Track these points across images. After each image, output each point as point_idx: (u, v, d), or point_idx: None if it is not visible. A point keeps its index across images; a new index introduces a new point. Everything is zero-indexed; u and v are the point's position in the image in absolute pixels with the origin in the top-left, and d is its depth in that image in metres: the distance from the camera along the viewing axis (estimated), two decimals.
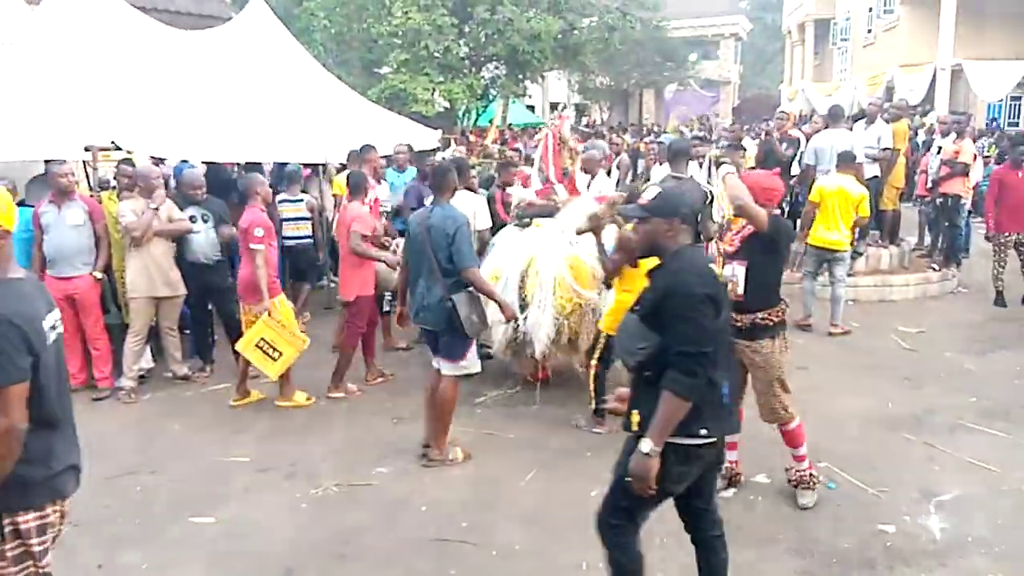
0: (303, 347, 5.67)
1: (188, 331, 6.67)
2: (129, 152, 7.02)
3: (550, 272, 5.49)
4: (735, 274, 4.04)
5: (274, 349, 5.51)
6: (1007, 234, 8.27)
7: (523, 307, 5.45)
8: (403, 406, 5.73)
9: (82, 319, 6.02)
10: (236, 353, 5.83)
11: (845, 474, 4.54)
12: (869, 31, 27.56)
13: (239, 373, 5.90)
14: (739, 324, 4.02)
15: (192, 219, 6.31)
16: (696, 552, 3.09)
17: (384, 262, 5.96)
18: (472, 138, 14.73)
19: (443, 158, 9.18)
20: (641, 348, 2.75)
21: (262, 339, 5.51)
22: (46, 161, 6.53)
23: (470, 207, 6.03)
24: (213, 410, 5.76)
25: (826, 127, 8.91)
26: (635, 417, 2.77)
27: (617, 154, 13.48)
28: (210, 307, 6.57)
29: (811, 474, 4.27)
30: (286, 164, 10.59)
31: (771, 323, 4.07)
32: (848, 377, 6.28)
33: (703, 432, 2.74)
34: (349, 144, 8.50)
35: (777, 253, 4.13)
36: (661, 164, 8.31)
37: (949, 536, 3.89)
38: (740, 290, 4.02)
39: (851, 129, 9.14)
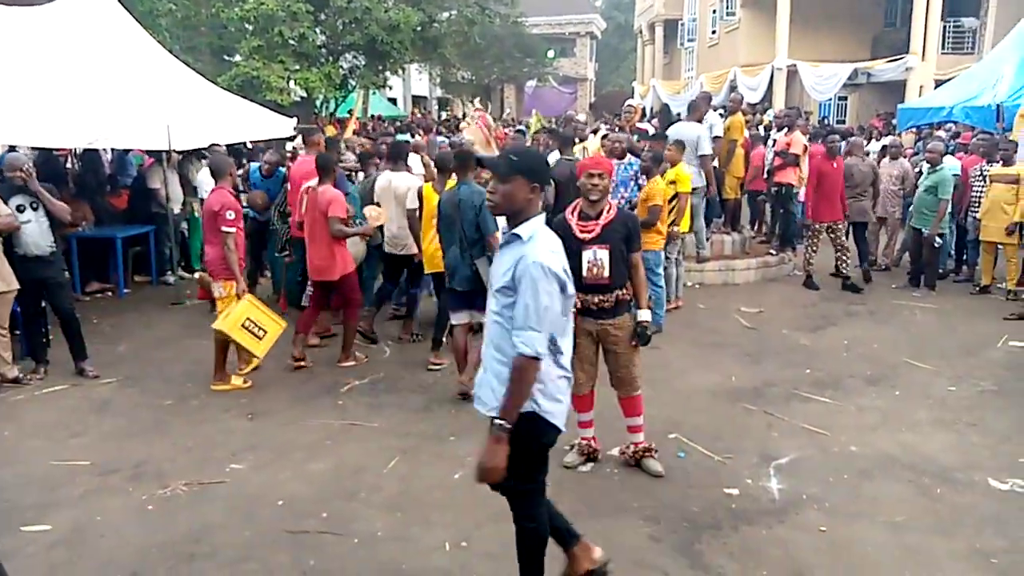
0: (283, 327, 5.88)
1: (18, 331, 6.14)
2: None
3: None
4: (599, 258, 4.17)
5: (260, 328, 5.65)
6: (823, 222, 8.91)
7: None
8: (259, 402, 5.54)
9: None
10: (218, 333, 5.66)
11: (693, 443, 4.81)
12: (713, 32, 29.20)
13: (216, 360, 5.78)
14: (604, 303, 4.18)
15: (20, 208, 5.81)
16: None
17: (364, 235, 6.52)
18: (332, 128, 14.38)
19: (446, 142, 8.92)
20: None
21: (248, 319, 5.63)
22: None
23: (406, 183, 6.64)
24: (48, 413, 5.33)
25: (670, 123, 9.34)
26: None
27: None
28: (44, 303, 6.07)
29: (647, 447, 4.49)
30: (128, 151, 10.02)
31: (628, 298, 4.28)
32: (695, 354, 6.65)
33: None
34: (197, 131, 8.11)
35: (632, 237, 4.32)
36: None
37: (786, 495, 4.20)
38: (606, 272, 4.16)
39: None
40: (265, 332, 5.72)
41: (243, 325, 5.61)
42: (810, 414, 5.33)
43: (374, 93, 20.44)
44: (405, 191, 6.53)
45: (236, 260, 5.66)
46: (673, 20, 34.09)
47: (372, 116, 20.74)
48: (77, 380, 5.92)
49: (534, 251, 2.71)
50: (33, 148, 8.22)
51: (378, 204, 6.75)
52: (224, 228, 5.58)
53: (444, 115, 28.28)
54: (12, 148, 8.04)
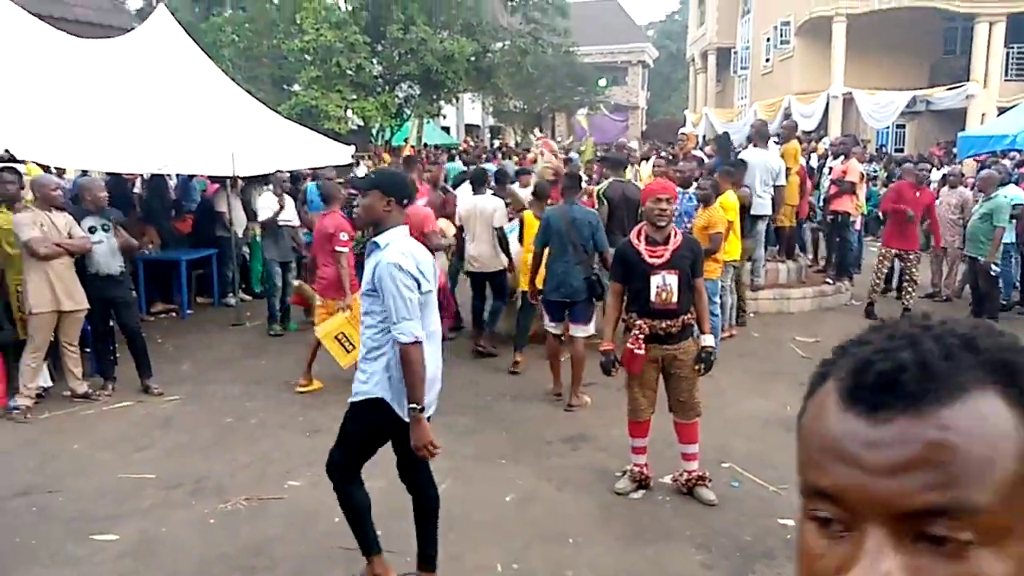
0: None
1: (88, 349, 6.41)
2: (23, 162, 6.74)
3: None
4: (668, 283, 4.17)
5: (351, 343, 6.01)
6: (891, 249, 8.78)
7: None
8: (316, 420, 5.67)
9: None
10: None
11: (747, 473, 4.76)
12: (767, 60, 29.02)
13: (307, 360, 6.23)
14: (672, 328, 4.19)
15: (92, 230, 6.09)
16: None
17: (448, 247, 7.18)
18: (386, 156, 14.70)
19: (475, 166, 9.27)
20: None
21: (342, 332, 6.02)
22: None
23: (491, 205, 7.17)
24: (116, 428, 5.55)
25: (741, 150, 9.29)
26: None
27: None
28: (112, 323, 6.33)
29: (700, 475, 4.46)
30: (192, 177, 10.41)
31: (692, 323, 4.29)
32: (749, 382, 6.58)
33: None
34: (259, 158, 8.40)
35: (697, 263, 4.35)
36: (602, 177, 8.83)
37: None
38: (675, 298, 4.17)
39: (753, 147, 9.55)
40: (354, 347, 6.00)
41: (336, 337, 6.03)
42: None
43: (428, 122, 20.85)
44: (492, 212, 7.02)
45: (349, 277, 6.10)
46: (726, 48, 34.02)
47: (426, 144, 21.11)
48: (142, 397, 6.14)
49: (387, 255, 3.13)
50: (104, 173, 8.60)
51: (461, 226, 7.17)
52: (338, 248, 6.09)
53: (498, 143, 28.61)
54: (84, 173, 8.42)
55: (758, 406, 5.96)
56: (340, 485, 3.45)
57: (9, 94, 6.91)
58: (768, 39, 28.70)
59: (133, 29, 10.57)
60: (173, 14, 10.21)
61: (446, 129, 28.80)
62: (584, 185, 8.13)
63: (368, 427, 3.34)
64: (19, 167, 6.72)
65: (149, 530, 4.08)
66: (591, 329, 5.99)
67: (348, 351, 6.07)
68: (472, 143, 24.84)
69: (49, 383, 6.11)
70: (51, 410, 5.84)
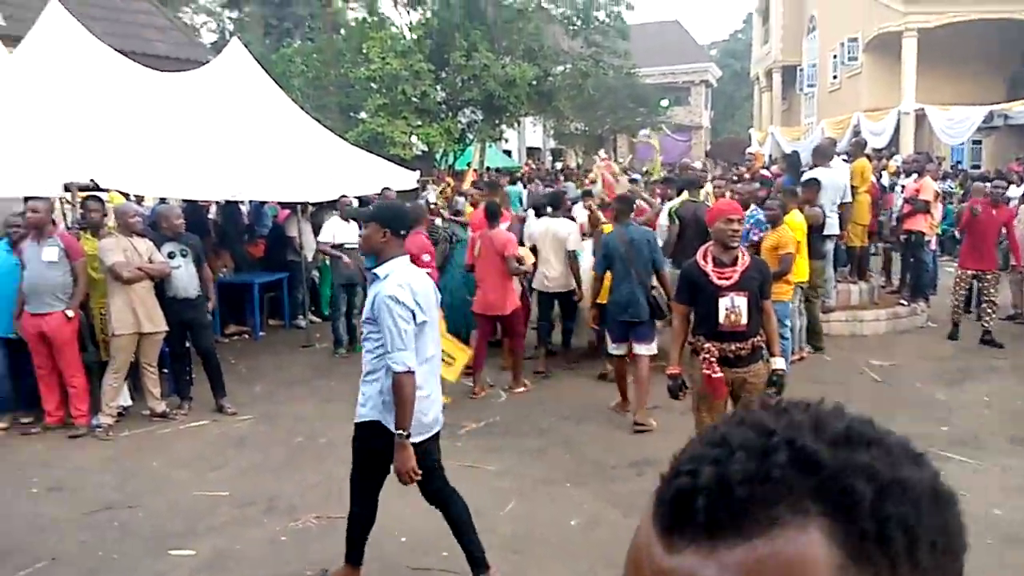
0: (469, 354, 6.33)
1: (166, 369, 6.65)
2: (107, 190, 7.07)
3: None
4: (737, 305, 4.08)
5: (449, 356, 6.09)
6: (967, 270, 8.45)
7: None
8: None
9: (56, 357, 5.96)
10: None
11: None
12: (834, 77, 28.44)
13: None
14: (741, 351, 4.11)
15: (171, 255, 6.34)
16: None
17: (526, 273, 7.20)
18: (450, 180, 14.92)
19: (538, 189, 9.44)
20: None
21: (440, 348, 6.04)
22: (25, 199, 6.53)
23: (566, 229, 7.25)
24: (192, 446, 5.73)
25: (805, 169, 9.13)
26: None
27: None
28: (188, 344, 6.56)
29: None
30: (264, 203, 10.74)
31: (762, 346, 4.21)
32: None
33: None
34: (329, 184, 8.63)
35: (765, 284, 4.29)
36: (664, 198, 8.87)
37: None
38: (744, 320, 4.09)
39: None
40: (454, 359, 6.17)
41: None
42: (947, 473, 4.93)
43: (490, 146, 21.10)
44: (566, 235, 7.11)
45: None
46: (791, 66, 33.48)
47: (488, 168, 21.36)
48: (217, 416, 6.33)
49: (385, 287, 3.28)
50: (181, 200, 8.96)
51: (533, 247, 7.26)
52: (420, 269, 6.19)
53: (559, 165, 28.73)
54: (163, 200, 8.78)
55: None
56: (351, 501, 3.67)
57: (95, 126, 7.30)
58: (835, 56, 28.14)
59: (208, 62, 11.05)
60: (246, 46, 10.62)
61: (508, 152, 29.07)
62: (644, 205, 8.12)
63: (368, 447, 3.51)
64: (102, 195, 7.06)
65: (223, 546, 4.19)
66: (655, 348, 6.07)
67: (449, 364, 6.22)
68: (533, 166, 25.00)
69: (129, 402, 6.36)
70: (131, 428, 6.08)
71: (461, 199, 9.94)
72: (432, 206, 9.69)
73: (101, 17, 12.10)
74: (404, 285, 3.31)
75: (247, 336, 9.18)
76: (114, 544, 4.23)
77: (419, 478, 3.38)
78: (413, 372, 3.25)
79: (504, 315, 6.79)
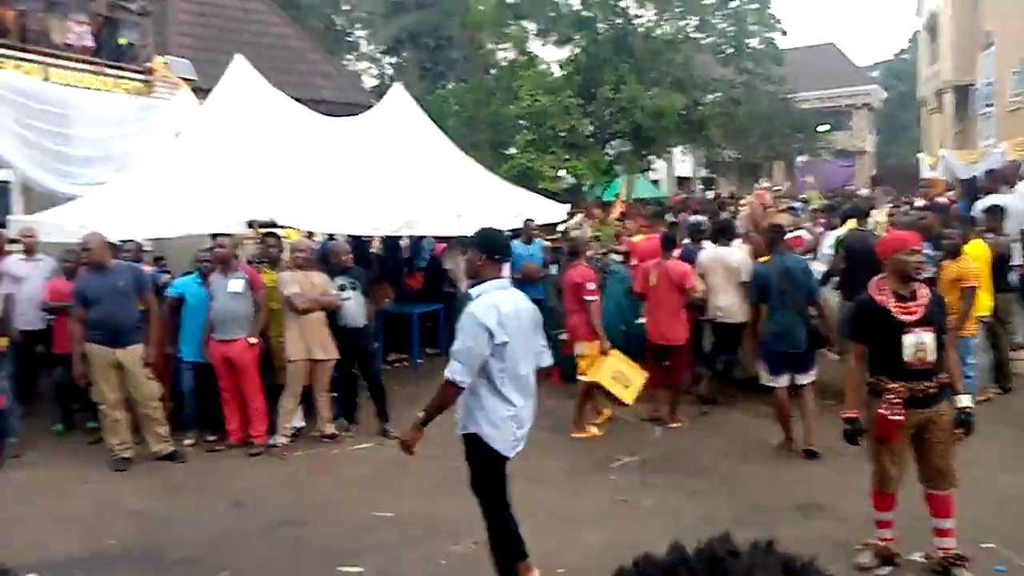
0: (645, 377, 6.58)
1: (336, 393, 7.03)
2: (284, 227, 7.64)
3: None
4: (924, 342, 3.82)
5: (627, 379, 6.43)
6: None
7: None
8: (535, 470, 5.76)
9: (239, 380, 6.46)
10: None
11: (1016, 557, 4.19)
12: (1016, 95, 26.20)
13: (577, 410, 6.61)
14: (929, 390, 3.85)
15: (341, 287, 6.74)
16: None
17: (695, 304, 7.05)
18: (597, 211, 14.97)
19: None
20: None
21: (617, 371, 6.48)
22: (212, 235, 7.17)
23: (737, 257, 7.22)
24: (358, 468, 6.02)
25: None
26: None
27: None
28: (355, 370, 6.91)
29: (958, 555, 3.98)
30: (422, 237, 11.21)
31: (947, 383, 3.94)
32: (1014, 453, 5.82)
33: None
34: (482, 218, 8.89)
35: (944, 318, 4.02)
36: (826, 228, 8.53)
37: None
38: (932, 357, 3.82)
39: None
40: (630, 382, 6.38)
41: (613, 376, 6.42)
42: None
43: (639, 177, 21.01)
44: (737, 265, 7.00)
45: (598, 323, 6.49)
46: (963, 86, 31.13)
47: (635, 199, 21.25)
48: (380, 440, 6.60)
49: (474, 305, 3.61)
50: (347, 236, 9.52)
51: (702, 276, 7.14)
52: (587, 297, 6.46)
53: (711, 194, 28.11)
54: (331, 237, 9.36)
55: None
56: (486, 510, 3.91)
57: (273, 169, 7.94)
58: (1015, 72, 25.95)
59: (371, 106, 11.75)
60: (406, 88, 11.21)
61: (655, 182, 28.80)
62: (803, 235, 7.82)
63: (472, 458, 3.81)
64: (279, 231, 7.64)
65: (388, 566, 4.36)
66: (814, 375, 6.04)
67: (627, 386, 6.40)
68: (683, 196, 24.58)
69: (302, 424, 6.77)
70: (303, 449, 6.46)
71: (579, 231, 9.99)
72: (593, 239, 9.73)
73: (277, 67, 13.19)
74: (491, 306, 3.57)
75: (406, 363, 9.56)
76: (288, 558, 4.50)
77: (414, 454, 3.81)
78: (460, 386, 3.56)
79: (675, 345, 6.73)
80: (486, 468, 3.79)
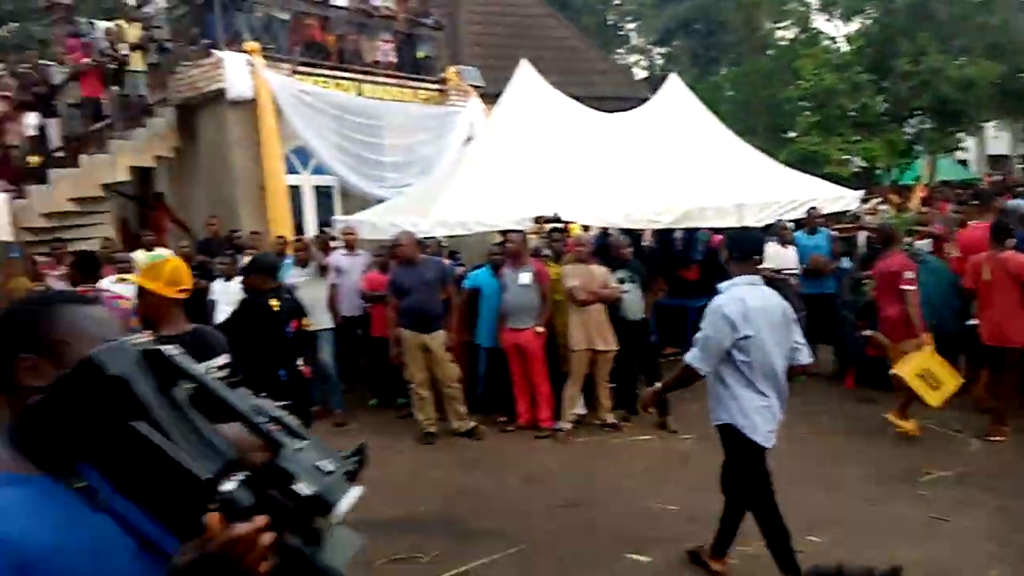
0: (960, 382, 6.07)
1: (614, 384, 7.18)
2: (568, 223, 7.93)
3: None
4: None
5: (936, 379, 6.03)
6: None
7: None
8: (832, 478, 5.44)
9: (528, 366, 6.85)
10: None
11: None
12: None
13: (901, 401, 6.17)
14: None
15: (621, 280, 6.87)
16: None
17: None
18: (894, 197, 13.64)
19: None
20: None
21: (926, 369, 6.02)
22: (502, 232, 7.65)
23: None
24: (640, 459, 6.11)
25: None
26: None
27: None
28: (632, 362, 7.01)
29: None
30: (697, 229, 11.01)
31: None
32: None
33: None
34: (764, 208, 8.51)
35: None
36: None
37: None
38: None
39: None
40: (941, 384, 5.90)
41: (919, 374, 5.95)
42: None
43: (942, 157, 18.79)
44: None
45: (918, 315, 6.01)
46: None
47: (942, 182, 19.06)
48: (660, 433, 6.64)
49: (720, 298, 3.74)
50: (620, 229, 9.63)
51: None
52: (904, 287, 6.03)
53: None
54: (606, 231, 9.53)
55: None
56: (750, 507, 4.02)
57: (557, 167, 8.28)
58: None
59: (644, 98, 11.75)
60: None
61: (963, 163, 25.54)
62: None
63: (730, 449, 3.93)
64: (562, 226, 7.95)
65: (675, 559, 4.36)
66: None
67: (934, 388, 5.87)
68: (995, 177, 21.54)
69: (584, 411, 7.01)
70: (586, 435, 6.69)
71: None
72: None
73: (557, 68, 13.71)
74: (736, 300, 3.67)
75: (683, 358, 9.45)
76: (579, 538, 4.69)
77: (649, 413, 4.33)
78: (698, 372, 3.76)
79: (1013, 347, 5.93)
80: (745, 459, 3.87)
